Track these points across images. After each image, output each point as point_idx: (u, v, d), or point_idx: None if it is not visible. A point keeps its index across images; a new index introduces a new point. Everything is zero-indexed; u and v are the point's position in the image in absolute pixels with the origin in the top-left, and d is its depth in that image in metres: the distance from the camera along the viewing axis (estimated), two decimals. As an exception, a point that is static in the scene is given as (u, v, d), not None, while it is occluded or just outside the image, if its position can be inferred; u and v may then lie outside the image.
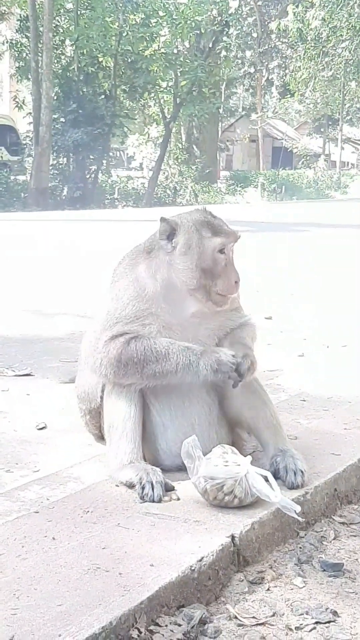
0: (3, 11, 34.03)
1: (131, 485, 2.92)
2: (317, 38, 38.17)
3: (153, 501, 2.82)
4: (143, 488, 2.86)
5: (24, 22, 31.50)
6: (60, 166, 30.93)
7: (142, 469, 2.94)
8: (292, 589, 2.53)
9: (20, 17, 32.85)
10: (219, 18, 35.14)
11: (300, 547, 2.80)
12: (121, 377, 3.04)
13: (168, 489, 2.92)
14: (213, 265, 3.04)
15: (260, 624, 2.33)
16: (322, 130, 56.69)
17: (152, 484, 2.86)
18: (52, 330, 5.80)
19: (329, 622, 2.35)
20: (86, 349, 3.30)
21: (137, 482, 2.89)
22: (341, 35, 38.03)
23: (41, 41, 27.98)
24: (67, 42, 31.94)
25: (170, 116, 35.30)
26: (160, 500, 2.83)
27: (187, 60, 34.26)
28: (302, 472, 3.01)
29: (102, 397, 3.19)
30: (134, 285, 3.11)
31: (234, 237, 3.11)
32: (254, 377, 3.20)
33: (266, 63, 50.07)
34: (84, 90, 30.77)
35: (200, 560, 2.43)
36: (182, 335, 3.08)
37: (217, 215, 3.17)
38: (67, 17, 32.15)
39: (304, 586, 2.55)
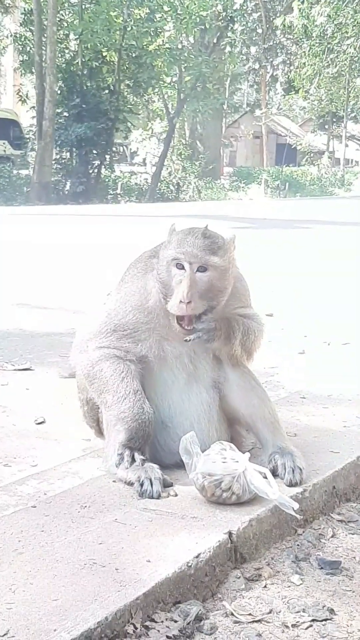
0: (7, 4, 34.01)
1: (129, 483, 2.91)
2: (322, 35, 38.11)
3: (152, 497, 2.82)
4: (142, 485, 2.85)
5: (28, 15, 31.48)
6: (63, 161, 30.91)
7: (141, 466, 2.94)
8: (289, 587, 2.53)
9: (25, 10, 32.83)
10: (224, 13, 35.10)
11: (298, 545, 2.79)
12: (89, 385, 3.12)
13: (166, 485, 2.91)
14: (167, 278, 2.96)
15: (256, 621, 2.32)
16: (326, 127, 56.60)
17: (150, 481, 2.86)
18: (52, 325, 5.80)
19: (325, 620, 2.34)
20: (79, 342, 3.29)
21: (135, 480, 2.88)
22: (346, 32, 37.96)
23: (45, 35, 27.97)
24: (71, 36, 31.90)
25: (174, 112, 35.27)
26: (159, 497, 2.82)
27: (192, 56, 34.25)
28: (300, 469, 3.00)
29: None
30: (140, 293, 3.09)
31: (189, 256, 2.91)
32: (252, 375, 3.19)
33: (271, 59, 50.01)
34: (88, 84, 30.74)
35: (197, 557, 2.42)
36: (180, 345, 3.06)
37: (212, 236, 2.99)
38: (72, 11, 32.12)
39: (301, 584, 2.55)
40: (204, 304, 2.95)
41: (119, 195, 32.05)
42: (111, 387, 3.02)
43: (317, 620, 2.34)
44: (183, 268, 2.94)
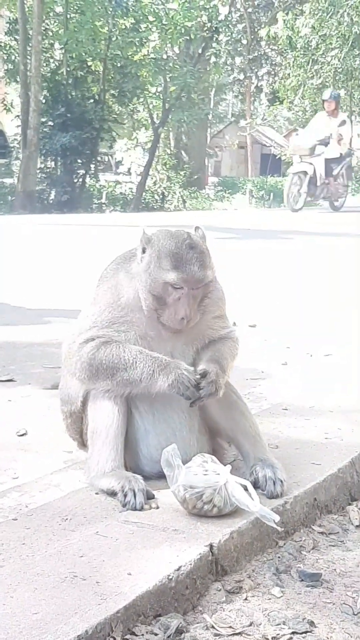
0: (-8, 14, 34.01)
1: (113, 493, 2.91)
2: (306, 46, 38.31)
3: (135, 509, 2.82)
4: (125, 496, 2.86)
5: (13, 24, 31.47)
6: (48, 170, 30.89)
7: (124, 476, 2.94)
8: (269, 599, 2.53)
9: (10, 19, 32.79)
10: (209, 24, 35.25)
11: (279, 557, 2.80)
12: (94, 382, 3.06)
13: (148, 496, 2.91)
14: (163, 294, 2.99)
15: (237, 634, 2.33)
16: (310, 137, 56.75)
17: (134, 492, 2.86)
18: (35, 336, 5.78)
19: (305, 632, 2.35)
20: (65, 351, 3.29)
21: (119, 490, 2.89)
22: (330, 43, 38.19)
23: (30, 44, 27.96)
24: (56, 45, 31.93)
25: (159, 121, 35.36)
26: (142, 509, 2.83)
27: (177, 66, 34.35)
28: (281, 481, 3.01)
29: (82, 402, 3.18)
30: (112, 292, 3.12)
31: (191, 283, 2.98)
32: (233, 389, 3.20)
33: (255, 70, 50.18)
34: (73, 94, 30.76)
35: (178, 570, 2.43)
36: (158, 345, 3.08)
37: (199, 247, 3.03)
38: (57, 21, 32.15)
39: (281, 596, 2.56)
40: (197, 315, 3.04)
41: (103, 205, 32.06)
42: (123, 365, 2.99)
43: (298, 633, 2.34)
44: (179, 288, 2.98)
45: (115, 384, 3.02)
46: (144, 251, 3.06)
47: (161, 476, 2.92)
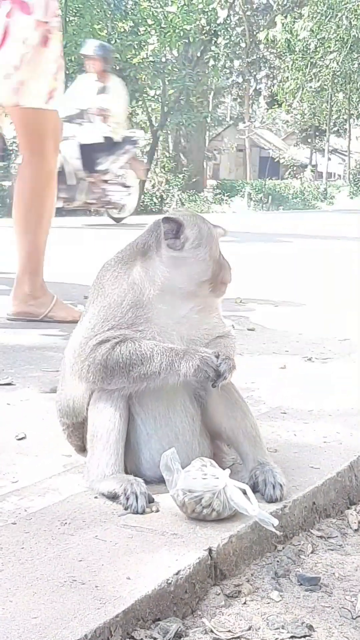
0: (-8, 17, 34.03)
1: (114, 497, 2.91)
2: (305, 49, 38.45)
3: (137, 512, 2.81)
4: (127, 499, 2.85)
5: (13, 27, 31.53)
6: (47, 172, 30.92)
7: (126, 479, 2.94)
8: (268, 603, 2.53)
9: (9, 23, 32.89)
10: (208, 27, 35.36)
11: (278, 561, 2.80)
12: (108, 382, 3.02)
13: (149, 500, 2.91)
14: (218, 253, 3.14)
15: (235, 638, 2.33)
16: (309, 140, 57.00)
17: (136, 495, 2.86)
18: (33, 339, 5.78)
19: (304, 636, 2.35)
20: (70, 357, 3.24)
21: (121, 493, 2.88)
22: (329, 46, 38.33)
23: (29, 47, 28.00)
24: (56, 48, 31.97)
25: (157, 124, 35.45)
26: (143, 512, 2.83)
27: (175, 69, 34.49)
28: (281, 485, 3.01)
29: (87, 409, 3.15)
30: (133, 291, 3.07)
31: (223, 228, 3.25)
32: (235, 388, 3.20)
33: (254, 73, 50.36)
34: (72, 97, 30.81)
35: (177, 574, 2.43)
36: (177, 334, 3.08)
37: None
38: (56, 24, 32.21)
39: (280, 600, 2.56)
40: None
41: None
42: (140, 359, 2.97)
43: (296, 637, 2.34)
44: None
45: (132, 381, 2.98)
46: (176, 234, 3.04)
47: (162, 480, 2.91)
